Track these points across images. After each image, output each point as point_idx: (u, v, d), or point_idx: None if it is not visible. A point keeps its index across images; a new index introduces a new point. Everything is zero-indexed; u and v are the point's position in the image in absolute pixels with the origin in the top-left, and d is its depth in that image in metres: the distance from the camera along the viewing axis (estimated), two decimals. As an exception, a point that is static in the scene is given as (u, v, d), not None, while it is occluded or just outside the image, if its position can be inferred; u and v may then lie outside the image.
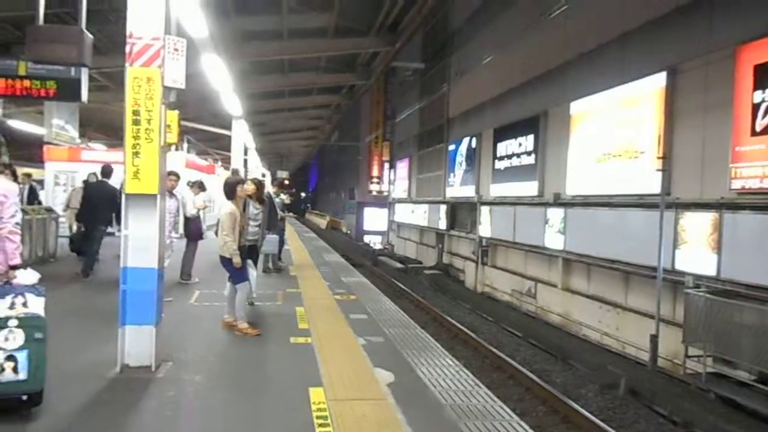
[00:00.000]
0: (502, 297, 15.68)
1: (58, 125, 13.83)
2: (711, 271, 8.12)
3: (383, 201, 33.71)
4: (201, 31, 7.63)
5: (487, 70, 17.09)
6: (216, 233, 6.81)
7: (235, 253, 6.01)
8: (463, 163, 19.45)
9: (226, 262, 6.14)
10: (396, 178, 30.63)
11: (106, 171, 9.31)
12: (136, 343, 4.58)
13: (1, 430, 3.59)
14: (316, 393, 4.27)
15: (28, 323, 3.66)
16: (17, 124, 14.71)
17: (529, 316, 13.60)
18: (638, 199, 9.97)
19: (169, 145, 4.85)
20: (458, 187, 19.92)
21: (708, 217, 8.26)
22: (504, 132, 15.96)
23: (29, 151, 18.74)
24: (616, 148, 10.78)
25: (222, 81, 11.43)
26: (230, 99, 13.41)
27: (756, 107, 7.54)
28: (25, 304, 3.70)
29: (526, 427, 3.94)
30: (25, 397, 3.63)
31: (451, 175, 20.69)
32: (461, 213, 20.01)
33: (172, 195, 8.28)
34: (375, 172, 36.49)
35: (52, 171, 14.46)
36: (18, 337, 3.63)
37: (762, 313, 7.06)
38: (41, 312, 3.77)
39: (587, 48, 11.78)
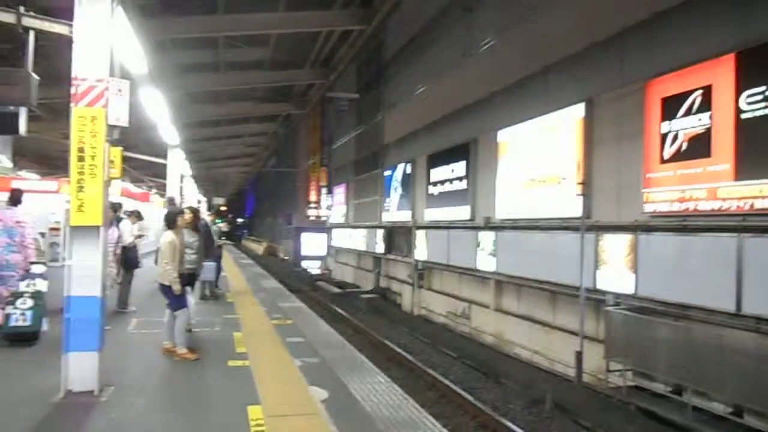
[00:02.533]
0: (437, 319, 16.08)
1: (-10, 155, 13.49)
2: (629, 289, 8.56)
3: (321, 226, 33.84)
4: (141, 69, 7.88)
5: (420, 98, 17.70)
6: (155, 261, 6.97)
7: (175, 281, 6.23)
8: (399, 188, 19.99)
9: (165, 289, 6.34)
10: (334, 203, 30.93)
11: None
12: (80, 369, 4.74)
13: (18, 349, 6.48)
14: (254, 410, 4.57)
15: (34, 295, 6.73)
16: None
17: (464, 337, 13.97)
18: (562, 222, 10.44)
19: (112, 179, 5.08)
20: (394, 212, 20.40)
21: (625, 239, 8.73)
22: (437, 158, 16.54)
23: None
24: (541, 173, 11.36)
25: (159, 112, 11.55)
26: (167, 129, 13.49)
27: (664, 137, 8.16)
28: (34, 284, 6.84)
29: (447, 433, 4.38)
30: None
31: (387, 200, 21.18)
32: (398, 237, 20.46)
33: (111, 225, 8.35)
34: (313, 197, 36.65)
35: (-24, 200, 13.98)
36: (28, 302, 6.66)
37: (675, 328, 7.56)
38: (44, 289, 6.87)
39: (513, 79, 12.44)
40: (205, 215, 12.60)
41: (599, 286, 9.26)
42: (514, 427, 7.52)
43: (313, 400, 4.94)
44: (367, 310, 18.70)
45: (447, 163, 15.81)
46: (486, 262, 13.05)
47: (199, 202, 33.95)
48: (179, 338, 6.38)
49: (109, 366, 5.24)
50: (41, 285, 6.86)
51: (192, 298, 7.46)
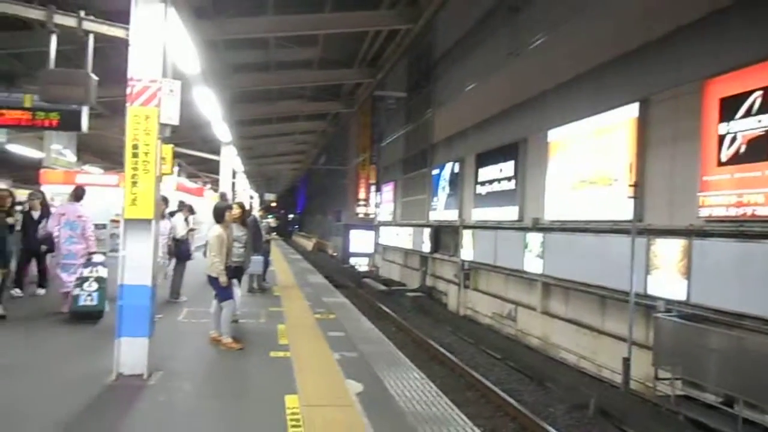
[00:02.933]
0: (483, 320, 16.00)
1: (57, 150, 14.36)
2: (681, 296, 8.27)
3: (370, 223, 34.10)
4: (194, 68, 8.23)
5: (470, 97, 17.64)
6: (204, 254, 7.26)
7: (221, 273, 6.48)
8: (447, 188, 19.96)
9: (213, 281, 6.60)
10: (382, 201, 31.13)
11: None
12: (131, 354, 5.03)
13: (85, 325, 7.25)
14: (291, 399, 4.72)
15: (98, 279, 7.63)
16: (17, 149, 15.18)
17: (509, 339, 13.90)
18: (613, 225, 10.20)
19: (164, 175, 5.35)
20: (441, 211, 20.39)
21: (678, 244, 8.44)
22: (486, 157, 16.44)
23: (26, 173, 19.17)
24: (591, 175, 11.14)
25: (212, 110, 11.97)
26: (219, 126, 13.95)
27: (722, 138, 7.87)
28: (97, 271, 7.71)
29: None
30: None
31: (435, 198, 21.19)
32: (444, 236, 20.44)
33: (163, 218, 8.79)
34: (362, 194, 37.02)
35: (48, 193, 14.85)
36: (93, 285, 7.57)
37: (728, 337, 7.29)
38: (105, 275, 7.68)
39: (564, 78, 12.24)
40: (256, 211, 12.97)
41: (650, 291, 9.01)
42: (552, 430, 7.43)
43: (348, 392, 5.06)
44: (411, 308, 18.77)
45: (495, 162, 15.69)
46: (533, 264, 12.89)
47: (251, 198, 34.85)
48: (225, 328, 6.63)
49: (158, 352, 5.51)
50: (102, 272, 7.74)
51: (239, 291, 7.73)
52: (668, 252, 8.71)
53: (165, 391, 4.86)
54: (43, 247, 8.61)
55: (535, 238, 12.95)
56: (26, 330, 7.06)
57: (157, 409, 4.48)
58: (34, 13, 5.56)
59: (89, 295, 7.47)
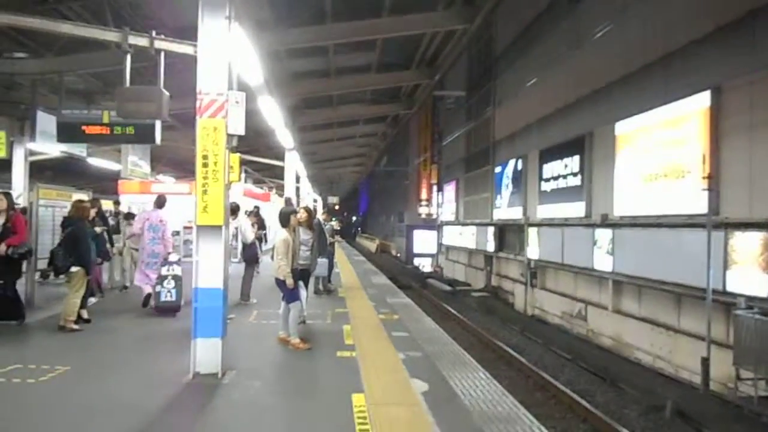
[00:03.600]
0: (552, 319, 15.66)
1: (133, 162, 15.28)
2: (763, 292, 7.85)
3: (432, 223, 34.02)
4: (257, 79, 8.55)
5: (531, 92, 17.36)
6: (272, 257, 7.51)
7: (288, 275, 6.70)
8: (510, 185, 19.64)
9: (280, 283, 6.84)
10: (444, 201, 30.97)
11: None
12: (206, 354, 5.31)
13: (165, 320, 8.33)
14: (358, 398, 4.84)
15: (175, 277, 8.75)
16: (96, 161, 16.24)
17: (580, 339, 13.55)
18: (687, 219, 9.78)
19: (232, 183, 5.60)
20: (505, 209, 20.09)
21: (759, 237, 8.00)
22: (550, 153, 16.08)
23: (105, 184, 20.52)
24: (662, 168, 10.71)
25: (275, 118, 12.34)
26: (283, 133, 14.36)
27: None
28: (173, 269, 8.81)
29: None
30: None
31: (498, 197, 20.89)
32: (509, 235, 20.15)
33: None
34: (423, 194, 36.98)
35: (126, 202, 15.83)
36: (172, 283, 8.70)
37: None
38: (180, 273, 8.77)
39: (630, 69, 11.83)
40: (319, 214, 13.27)
41: (729, 288, 8.52)
42: (626, 432, 7.19)
43: (414, 391, 5.11)
44: (477, 308, 18.61)
45: (560, 158, 15.32)
46: (603, 261, 12.49)
47: (315, 201, 35.59)
48: (293, 329, 6.85)
49: (231, 352, 5.78)
50: (177, 270, 8.84)
51: (305, 292, 7.95)
52: (748, 246, 8.24)
53: (238, 389, 5.09)
54: (98, 260, 8.83)
55: (604, 235, 12.56)
56: (111, 331, 7.58)
57: (232, 406, 4.71)
58: (111, 35, 5.96)
59: (168, 291, 8.68)
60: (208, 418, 4.46)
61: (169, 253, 9.22)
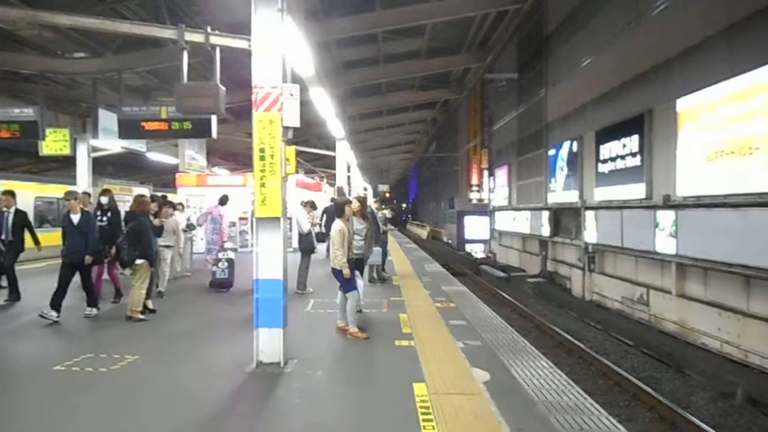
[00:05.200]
0: (612, 305, 15.28)
1: (190, 156, 15.75)
2: None
3: (484, 209, 33.62)
4: (308, 70, 8.59)
5: (586, 72, 16.85)
6: (327, 248, 7.59)
7: (344, 265, 6.75)
8: (565, 168, 19.14)
9: (337, 273, 6.90)
10: (496, 186, 30.50)
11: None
12: (268, 343, 5.42)
13: (219, 294, 10.15)
14: (419, 387, 4.83)
15: (228, 260, 10.58)
16: (154, 156, 16.81)
17: (642, 324, 13.18)
18: (756, 198, 9.35)
19: (288, 175, 5.65)
20: (560, 192, 19.61)
21: None
22: (606, 134, 15.58)
23: (163, 178, 21.27)
24: (728, 144, 10.23)
25: (326, 108, 12.41)
26: (333, 123, 14.43)
27: None
28: (227, 254, 10.63)
29: (614, 422, 4.22)
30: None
31: (553, 180, 20.41)
32: (565, 219, 19.70)
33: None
34: (474, 180, 36.58)
35: (184, 195, 16.38)
36: (224, 264, 10.52)
37: None
38: (233, 256, 10.63)
39: (692, 42, 11.31)
40: (371, 202, 13.33)
41: (803, 269, 8.11)
42: (695, 420, 6.93)
43: (475, 380, 5.06)
44: (533, 294, 18.32)
45: (617, 138, 14.79)
46: (666, 244, 12.05)
47: (365, 189, 35.75)
48: (350, 318, 6.91)
49: (291, 341, 5.87)
50: (231, 255, 10.66)
51: (361, 282, 7.99)
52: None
53: (300, 378, 5.18)
54: (88, 259, 7.94)
55: (666, 217, 12.10)
56: (175, 321, 7.86)
57: (295, 395, 4.79)
58: (168, 33, 6.10)
59: (222, 270, 10.49)
60: (272, 406, 4.56)
61: (224, 242, 11.24)
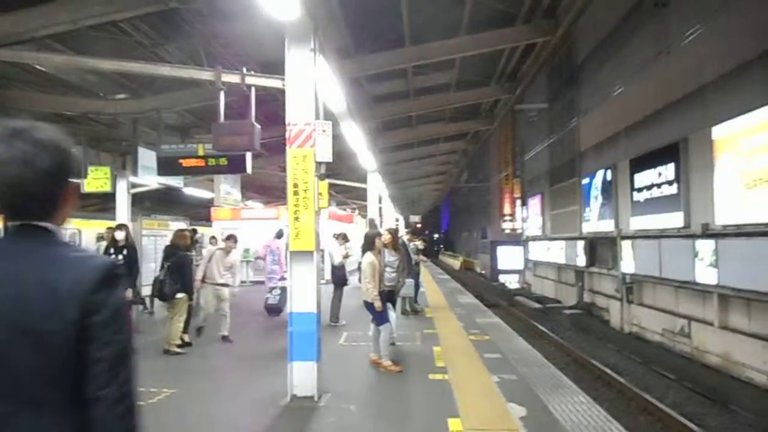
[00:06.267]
0: (652, 337, 14.81)
1: (225, 190, 16.14)
2: None
3: (517, 239, 33.23)
4: (340, 106, 8.79)
5: (617, 100, 16.74)
6: (359, 279, 7.62)
7: (376, 298, 6.77)
8: (599, 197, 18.87)
9: (369, 306, 6.91)
10: (529, 216, 30.19)
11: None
12: (302, 377, 5.44)
13: (271, 319, 11.12)
14: (454, 423, 4.76)
15: (281, 288, 11.10)
16: (190, 191, 17.27)
17: (684, 357, 12.75)
18: (800, 225, 9.17)
19: (321, 209, 5.75)
20: (595, 222, 19.29)
21: None
22: (641, 162, 15.33)
23: (198, 211, 21.79)
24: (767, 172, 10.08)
25: (357, 141, 12.61)
26: (365, 155, 14.62)
27: None
28: (283, 283, 10.66)
29: (658, 461, 4.08)
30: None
31: (587, 209, 20.12)
32: (601, 248, 19.32)
33: None
34: (507, 209, 36.28)
35: (219, 228, 16.72)
36: (278, 291, 11.32)
37: None
38: (287, 286, 7.78)
39: (726, 69, 11.15)
40: (403, 234, 13.38)
41: None
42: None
43: (511, 416, 4.97)
44: (570, 326, 17.88)
45: (653, 166, 14.56)
46: (706, 274, 11.68)
47: (396, 220, 35.80)
48: (384, 351, 6.89)
49: (325, 374, 5.88)
50: (285, 284, 9.80)
51: (394, 314, 7.97)
52: None
53: (335, 413, 5.17)
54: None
55: (705, 246, 11.77)
56: (211, 354, 7.95)
57: (329, 429, 4.77)
58: (206, 75, 6.36)
59: (274, 297, 11.43)
60: (306, 441, 4.56)
61: (284, 272, 11.20)
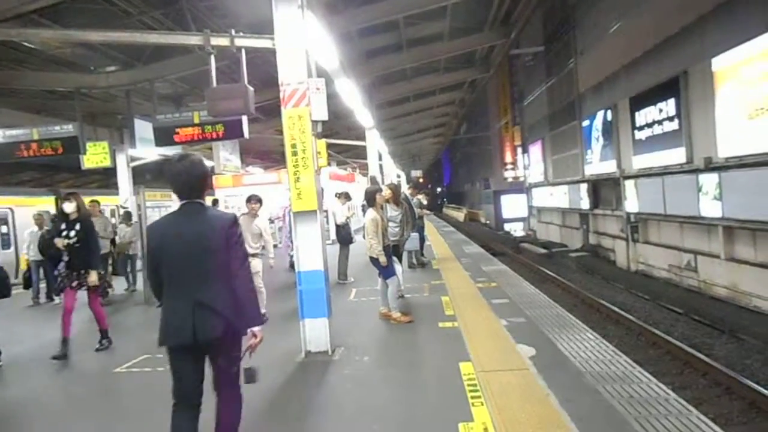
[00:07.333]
0: (659, 274, 15.00)
1: (225, 157, 16.06)
2: None
3: (520, 187, 33.22)
4: (333, 63, 8.66)
5: (615, 38, 16.45)
6: (363, 236, 7.66)
7: (380, 253, 6.83)
8: (600, 138, 18.76)
9: (375, 261, 6.98)
10: (530, 162, 30.08)
11: None
12: (314, 333, 5.56)
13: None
14: (466, 366, 4.88)
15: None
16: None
17: (691, 292, 12.94)
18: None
19: (321, 168, 5.75)
20: (597, 164, 19.25)
21: None
22: (641, 100, 15.20)
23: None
24: (768, 100, 9.95)
25: (353, 98, 12.46)
26: (361, 112, 14.48)
27: None
28: None
29: (665, 388, 4.19)
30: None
31: (588, 151, 20.04)
32: (604, 190, 19.35)
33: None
34: (508, 158, 36.15)
35: (222, 197, 16.74)
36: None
37: None
38: None
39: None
40: (405, 189, 13.37)
41: None
42: (752, 384, 6.78)
43: (521, 356, 5.09)
44: (576, 269, 18.09)
45: (653, 103, 14.43)
46: (711, 208, 11.76)
47: (398, 176, 35.72)
48: (393, 303, 7.00)
49: (337, 329, 6.00)
50: None
51: (400, 267, 8.07)
52: None
53: (349, 365, 5.31)
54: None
55: (709, 179, 11.79)
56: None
57: (345, 380, 4.91)
58: (194, 39, 6.25)
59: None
60: (325, 392, 4.69)
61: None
